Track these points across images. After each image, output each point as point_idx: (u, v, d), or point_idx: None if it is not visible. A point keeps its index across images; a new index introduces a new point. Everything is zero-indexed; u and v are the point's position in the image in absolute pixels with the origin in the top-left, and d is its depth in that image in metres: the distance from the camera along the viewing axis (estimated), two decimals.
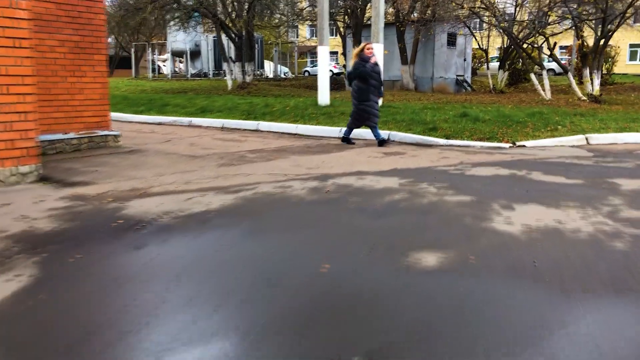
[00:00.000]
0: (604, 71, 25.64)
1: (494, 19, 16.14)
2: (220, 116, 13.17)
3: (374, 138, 8.83)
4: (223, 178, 5.84)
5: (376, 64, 8.71)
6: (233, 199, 4.82)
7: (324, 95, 13.41)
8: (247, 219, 4.23)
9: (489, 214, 4.30)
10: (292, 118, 12.01)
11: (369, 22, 25.96)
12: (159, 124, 13.08)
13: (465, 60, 25.85)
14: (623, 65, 42.79)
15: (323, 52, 13.20)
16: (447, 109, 12.94)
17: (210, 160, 7.22)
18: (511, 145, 8.48)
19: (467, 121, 10.42)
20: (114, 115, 11.40)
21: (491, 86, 22.44)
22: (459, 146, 8.54)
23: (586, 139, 8.61)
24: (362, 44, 8.84)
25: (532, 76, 16.66)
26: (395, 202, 4.73)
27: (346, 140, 8.99)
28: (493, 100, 16.72)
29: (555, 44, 15.82)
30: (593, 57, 15.72)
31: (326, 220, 4.22)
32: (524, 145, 8.43)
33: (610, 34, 15.65)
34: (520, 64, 24.39)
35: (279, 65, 37.51)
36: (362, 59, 8.51)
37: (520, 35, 17.02)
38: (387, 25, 24.24)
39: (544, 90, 16.35)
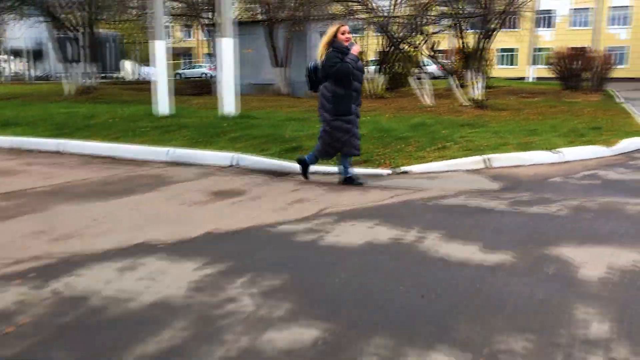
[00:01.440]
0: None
1: (369, 15, 14.24)
2: (20, 132, 9.79)
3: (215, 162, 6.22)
4: None
5: (359, 57, 5.67)
6: None
7: (163, 103, 10.56)
8: None
9: None
10: (115, 133, 9.01)
11: (237, 20, 23.41)
12: None
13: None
14: (494, 69, 44.33)
15: (159, 48, 10.35)
16: (317, 119, 10.67)
17: None
18: (392, 171, 6.30)
19: None
20: None
21: (369, 91, 20.81)
22: (324, 174, 6.21)
23: (485, 160, 6.67)
24: (334, 27, 5.53)
25: (411, 80, 15.01)
26: None
27: (304, 171, 5.86)
28: (371, 107, 14.80)
29: (434, 43, 14.26)
30: (475, 59, 14.39)
31: None
32: (408, 172, 6.28)
33: (492, 34, 14.41)
34: (400, 66, 23.13)
35: (143, 67, 33.59)
36: (338, 49, 5.36)
37: (399, 35, 15.35)
38: (255, 23, 21.81)
39: (425, 95, 14.76)
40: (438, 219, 4.18)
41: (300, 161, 5.87)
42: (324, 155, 5.74)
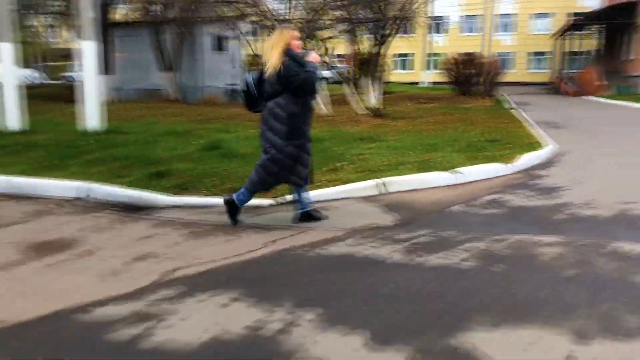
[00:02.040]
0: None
1: (259, 17, 13.23)
2: None
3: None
4: None
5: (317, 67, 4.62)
6: None
7: (11, 116, 8.85)
8: None
9: None
10: None
11: (123, 21, 21.45)
12: None
13: (237, 67, 22.90)
14: (391, 74, 45.09)
15: (4, 50, 8.66)
16: (201, 132, 9.48)
17: None
18: (275, 201, 5.33)
19: (217, 158, 7.05)
20: None
21: None
22: (190, 208, 5.10)
23: (381, 185, 5.87)
24: (287, 32, 4.46)
25: None
26: None
27: (233, 216, 4.58)
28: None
29: (328, 49, 13.53)
30: (371, 65, 13.85)
31: None
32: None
33: (388, 39, 13.94)
34: None
35: (22, 69, 30.15)
36: (295, 58, 4.35)
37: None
38: (140, 24, 20.05)
39: (321, 104, 13.99)
40: (317, 284, 3.22)
41: (228, 203, 4.56)
42: (262, 187, 4.56)
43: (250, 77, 4.55)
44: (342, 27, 13.63)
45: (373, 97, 13.63)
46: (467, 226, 4.51)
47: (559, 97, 31.61)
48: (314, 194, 5.51)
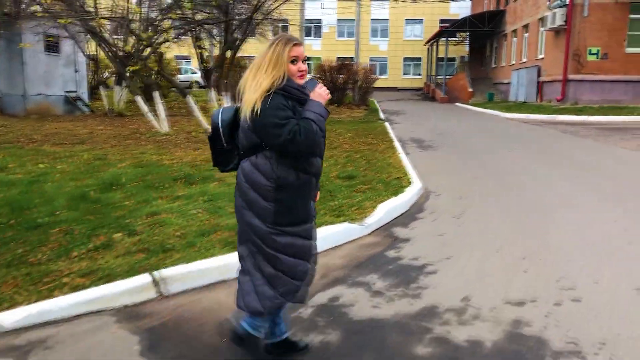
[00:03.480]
0: None
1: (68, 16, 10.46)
2: None
3: None
4: None
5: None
6: None
7: None
8: None
9: None
10: None
11: None
12: None
13: (77, 71, 19.56)
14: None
15: None
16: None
17: None
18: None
19: None
20: None
21: (107, 107, 16.90)
22: None
23: (156, 283, 3.73)
24: (282, 44, 2.49)
25: (139, 100, 11.66)
26: None
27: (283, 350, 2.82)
28: (94, 132, 11.17)
29: (161, 54, 11.14)
30: (221, 73, 11.68)
31: None
32: None
33: (237, 43, 11.84)
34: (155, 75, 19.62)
35: None
36: (289, 91, 2.47)
37: (129, 44, 11.82)
38: None
39: (159, 119, 11.56)
40: None
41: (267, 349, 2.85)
42: (286, 299, 2.64)
43: (218, 114, 2.71)
44: (179, 29, 11.28)
45: None
46: None
47: (430, 103, 31.63)
48: (32, 311, 3.25)
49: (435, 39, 36.07)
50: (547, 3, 22.71)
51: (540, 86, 24.16)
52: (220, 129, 2.62)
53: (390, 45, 45.30)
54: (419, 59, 45.00)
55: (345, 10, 40.94)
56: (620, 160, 9.47)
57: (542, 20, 23.84)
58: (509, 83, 28.43)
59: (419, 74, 45.23)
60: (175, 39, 10.80)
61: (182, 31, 11.13)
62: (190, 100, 11.02)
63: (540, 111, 20.06)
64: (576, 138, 12.96)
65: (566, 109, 19.48)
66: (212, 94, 10.99)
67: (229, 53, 11.61)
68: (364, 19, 43.67)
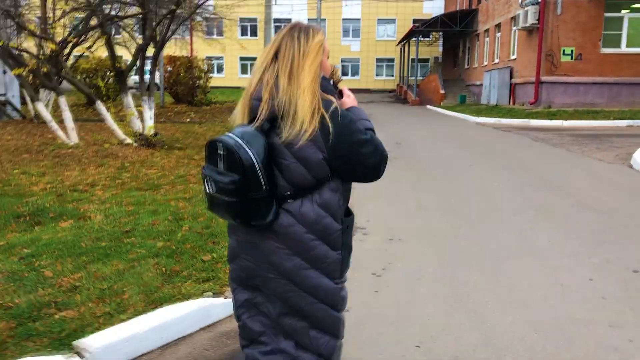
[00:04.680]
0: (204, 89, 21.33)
1: None
2: None
3: None
4: None
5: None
6: None
7: None
8: None
9: None
10: None
11: None
12: None
13: (5, 72, 17.66)
14: (236, 78, 41.54)
15: None
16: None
17: None
18: None
19: None
20: None
21: (33, 113, 15.18)
22: None
23: None
24: (318, 36, 1.84)
25: (39, 106, 9.98)
26: None
27: None
28: None
29: (58, 52, 9.47)
30: (125, 74, 10.06)
31: None
32: None
33: (162, 42, 10.22)
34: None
35: None
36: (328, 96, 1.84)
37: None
38: None
39: (66, 128, 9.88)
40: None
41: None
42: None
43: (243, 146, 1.76)
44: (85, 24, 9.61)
45: (138, 120, 9.85)
46: None
47: (401, 106, 30.26)
48: None
49: (407, 39, 34.75)
50: (519, 1, 21.46)
51: (512, 88, 22.92)
52: (258, 167, 1.74)
53: (363, 46, 43.89)
54: (391, 59, 43.69)
55: (280, 7, 39.41)
56: (598, 179, 8.08)
57: (514, 19, 22.61)
58: (481, 85, 27.20)
59: (392, 75, 43.92)
60: (76, 36, 9.10)
61: (89, 26, 9.45)
62: (101, 107, 9.35)
63: (512, 115, 18.78)
64: (548, 147, 11.60)
65: (539, 113, 18.21)
66: (129, 98, 9.31)
67: (152, 51, 10.03)
68: (335, 19, 42.23)
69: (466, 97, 28.90)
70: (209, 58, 40.81)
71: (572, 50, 19.05)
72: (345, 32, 43.83)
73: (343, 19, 43.00)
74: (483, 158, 10.27)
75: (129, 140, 9.62)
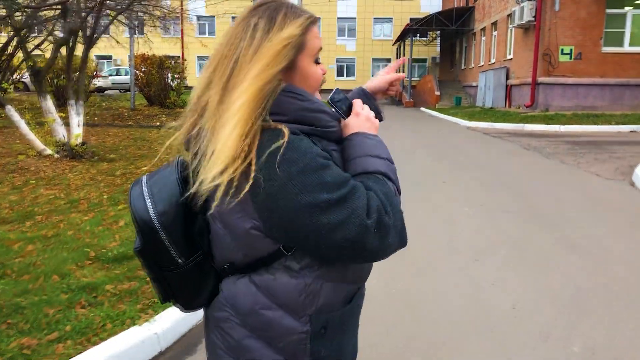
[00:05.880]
0: (180, 91, 20.10)
1: None
2: None
3: None
4: None
5: None
6: None
7: None
8: None
9: None
10: None
11: None
12: None
13: None
14: (194, 78, 39.98)
15: None
16: None
17: None
18: None
19: None
20: None
21: None
22: None
23: None
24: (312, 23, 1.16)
25: None
26: None
27: None
28: None
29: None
30: (68, 77, 8.79)
31: None
32: None
33: (90, 39, 8.92)
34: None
35: None
36: (320, 121, 1.11)
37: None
38: None
39: None
40: None
41: None
42: None
43: (144, 200, 1.13)
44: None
45: (63, 128, 8.56)
46: None
47: (395, 108, 28.88)
48: None
49: (402, 38, 33.39)
50: None
51: (509, 90, 21.53)
52: (162, 233, 1.12)
53: (358, 45, 42.51)
54: (388, 59, 42.29)
55: (309, 7, 38.13)
56: (593, 202, 6.71)
57: (510, 16, 21.22)
58: (477, 86, 25.82)
59: None
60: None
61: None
62: (13, 112, 8.05)
63: (507, 119, 17.39)
64: (539, 158, 10.23)
65: (535, 117, 16.82)
66: (49, 103, 8.01)
67: (84, 52, 8.74)
68: (330, 17, 40.90)
69: (462, 98, 27.52)
70: (200, 58, 39.69)
71: (571, 50, 17.64)
72: (341, 31, 42.45)
73: (338, 18, 41.66)
74: (462, 171, 8.91)
75: (49, 151, 8.32)
